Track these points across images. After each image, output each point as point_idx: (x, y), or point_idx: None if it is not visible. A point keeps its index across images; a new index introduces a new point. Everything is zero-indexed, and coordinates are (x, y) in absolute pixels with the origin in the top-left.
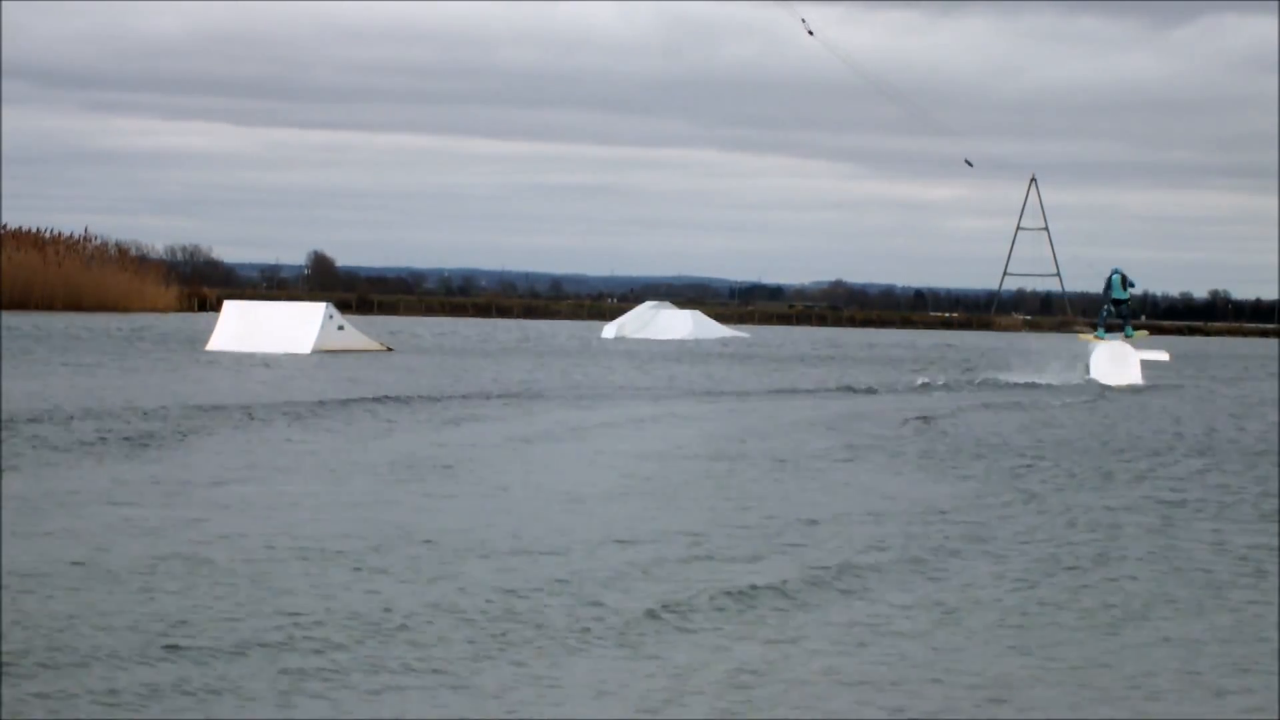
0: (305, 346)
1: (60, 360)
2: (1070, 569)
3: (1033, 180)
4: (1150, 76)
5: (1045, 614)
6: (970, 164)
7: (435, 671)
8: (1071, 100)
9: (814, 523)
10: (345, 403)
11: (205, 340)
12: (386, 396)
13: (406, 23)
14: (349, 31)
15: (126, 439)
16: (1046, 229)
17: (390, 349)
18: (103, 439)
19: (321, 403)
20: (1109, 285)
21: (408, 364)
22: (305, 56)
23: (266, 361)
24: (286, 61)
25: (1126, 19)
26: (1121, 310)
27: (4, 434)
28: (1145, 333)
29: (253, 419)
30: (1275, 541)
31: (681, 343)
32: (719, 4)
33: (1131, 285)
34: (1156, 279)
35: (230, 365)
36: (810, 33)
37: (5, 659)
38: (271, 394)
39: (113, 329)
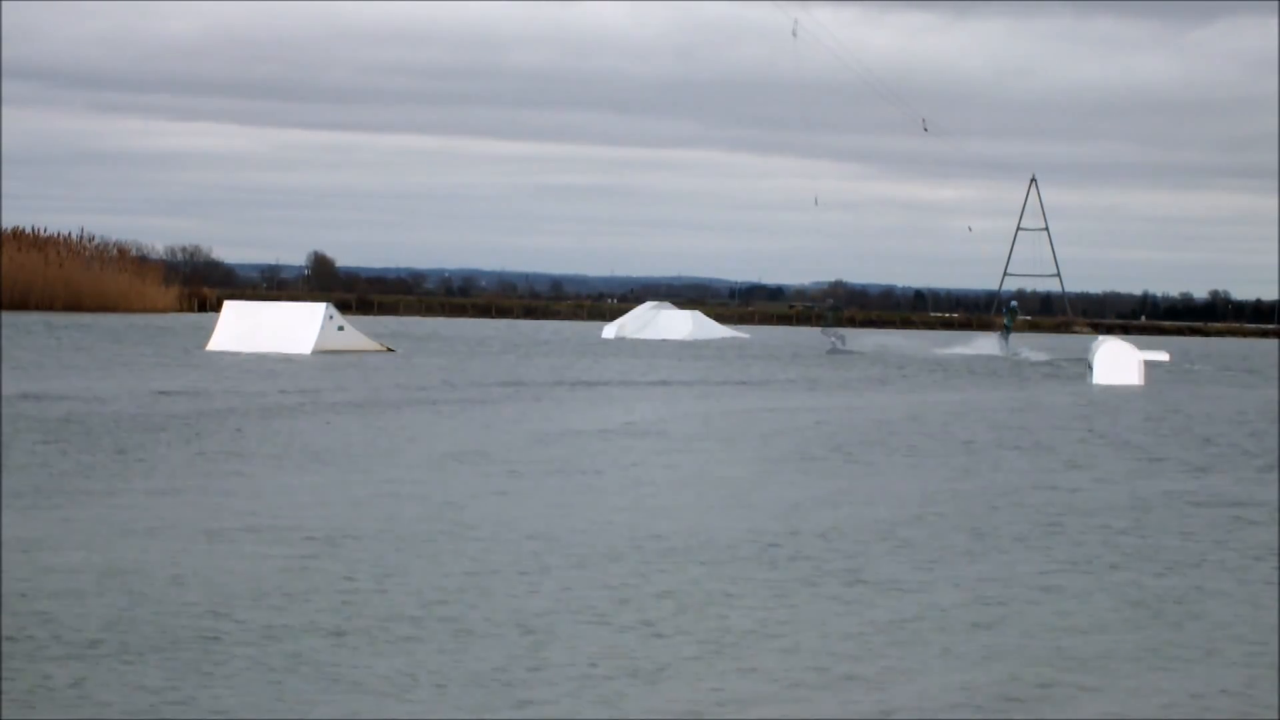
0: (306, 347)
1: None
2: None
3: (1033, 180)
4: (1163, 78)
5: None
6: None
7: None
8: (1081, 101)
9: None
10: (434, 400)
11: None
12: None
13: (417, 24)
14: (359, 33)
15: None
16: (1047, 229)
17: (391, 349)
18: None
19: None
20: (1010, 314)
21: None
22: (315, 58)
23: (273, 362)
24: (296, 63)
25: (1143, 20)
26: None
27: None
28: None
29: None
30: None
31: (682, 343)
32: (729, 5)
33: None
34: (1157, 279)
35: (243, 365)
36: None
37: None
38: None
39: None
